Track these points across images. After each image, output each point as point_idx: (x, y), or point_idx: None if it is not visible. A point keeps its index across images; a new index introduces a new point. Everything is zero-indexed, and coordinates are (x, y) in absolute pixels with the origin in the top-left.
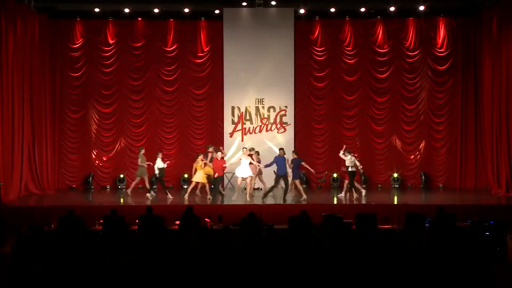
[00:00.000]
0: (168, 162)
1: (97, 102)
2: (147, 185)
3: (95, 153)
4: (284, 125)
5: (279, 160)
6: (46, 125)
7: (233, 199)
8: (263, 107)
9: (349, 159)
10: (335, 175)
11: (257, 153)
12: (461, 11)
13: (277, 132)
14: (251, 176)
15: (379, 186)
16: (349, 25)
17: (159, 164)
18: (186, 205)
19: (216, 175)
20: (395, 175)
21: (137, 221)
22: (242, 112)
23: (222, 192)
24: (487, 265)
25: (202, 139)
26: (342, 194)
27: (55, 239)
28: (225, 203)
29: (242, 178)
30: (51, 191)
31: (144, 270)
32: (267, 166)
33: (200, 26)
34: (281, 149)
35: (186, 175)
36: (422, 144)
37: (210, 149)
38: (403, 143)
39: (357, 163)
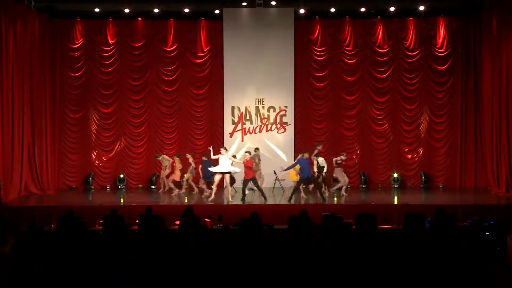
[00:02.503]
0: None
1: (97, 102)
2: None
3: (95, 153)
4: (284, 125)
5: (302, 162)
6: (46, 125)
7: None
8: (263, 107)
9: (321, 161)
10: (334, 175)
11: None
12: (461, 11)
13: (277, 132)
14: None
15: (379, 186)
16: (349, 25)
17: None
18: (186, 205)
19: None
20: (395, 175)
21: (137, 221)
22: (242, 112)
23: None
24: (487, 265)
25: (202, 139)
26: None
27: (55, 239)
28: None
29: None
30: (51, 191)
31: (144, 270)
32: (288, 168)
33: (200, 26)
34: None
35: (185, 175)
36: (421, 150)
37: (319, 147)
38: (403, 143)
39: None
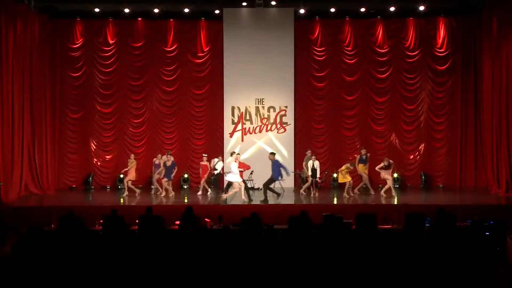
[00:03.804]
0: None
1: (97, 102)
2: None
3: (94, 144)
4: (284, 125)
5: (274, 164)
6: (46, 125)
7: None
8: (263, 107)
9: (316, 164)
10: (335, 175)
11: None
12: (461, 11)
13: (277, 132)
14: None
15: (379, 186)
16: (349, 25)
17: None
18: (186, 205)
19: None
20: (395, 175)
21: (137, 221)
22: (242, 112)
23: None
24: (487, 265)
25: (202, 139)
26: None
27: (55, 239)
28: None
29: (238, 183)
30: (51, 191)
31: (144, 270)
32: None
33: (200, 26)
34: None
35: (186, 175)
36: (422, 146)
37: (363, 151)
38: (403, 143)
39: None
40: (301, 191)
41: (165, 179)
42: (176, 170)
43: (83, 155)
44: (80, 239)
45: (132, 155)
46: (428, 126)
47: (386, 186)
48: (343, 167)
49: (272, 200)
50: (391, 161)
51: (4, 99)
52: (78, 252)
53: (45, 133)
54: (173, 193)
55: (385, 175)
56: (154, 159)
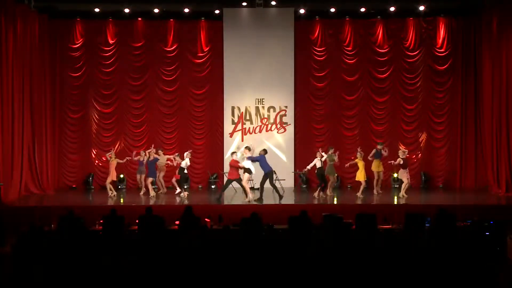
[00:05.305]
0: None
1: (97, 102)
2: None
3: (94, 152)
4: (284, 125)
5: (262, 159)
6: (46, 125)
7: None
8: (263, 107)
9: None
10: (397, 175)
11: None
12: (461, 11)
13: (277, 132)
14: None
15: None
16: (349, 25)
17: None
18: (185, 205)
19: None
20: (395, 175)
21: (137, 221)
22: (242, 112)
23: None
24: (487, 265)
25: (202, 139)
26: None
27: (55, 239)
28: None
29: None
30: (51, 191)
31: (144, 270)
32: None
33: (200, 26)
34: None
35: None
36: (423, 136)
37: (379, 147)
38: (403, 143)
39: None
40: (328, 192)
41: (150, 178)
42: (158, 166)
43: (83, 155)
44: (80, 239)
45: (107, 153)
46: (428, 126)
47: (406, 186)
48: (359, 163)
49: (272, 200)
50: (406, 152)
51: (4, 99)
52: (78, 252)
53: (45, 133)
54: (153, 193)
55: (402, 174)
56: (138, 157)
